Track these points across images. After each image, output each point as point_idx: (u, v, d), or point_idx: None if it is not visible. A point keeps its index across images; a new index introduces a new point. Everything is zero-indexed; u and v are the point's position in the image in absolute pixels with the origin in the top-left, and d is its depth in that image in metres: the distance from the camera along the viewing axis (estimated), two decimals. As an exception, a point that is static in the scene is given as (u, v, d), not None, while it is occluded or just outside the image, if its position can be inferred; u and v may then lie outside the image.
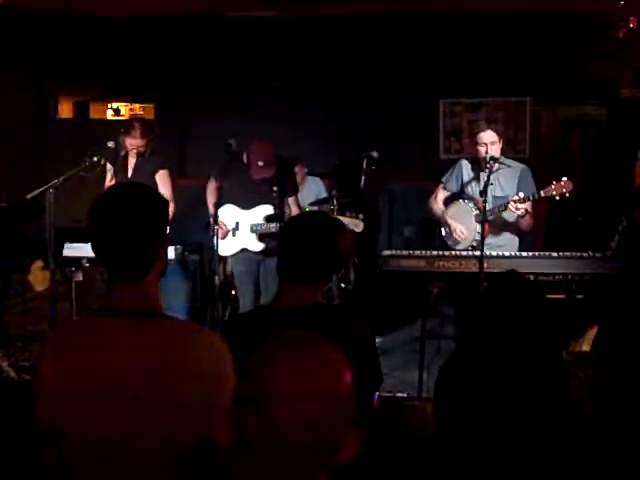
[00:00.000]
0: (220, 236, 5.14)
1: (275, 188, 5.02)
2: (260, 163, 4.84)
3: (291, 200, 5.16)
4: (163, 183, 5.30)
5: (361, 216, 4.95)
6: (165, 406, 1.64)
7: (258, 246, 5.06)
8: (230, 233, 5.12)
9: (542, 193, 4.41)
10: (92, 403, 1.66)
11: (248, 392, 1.21)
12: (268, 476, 1.19)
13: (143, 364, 1.66)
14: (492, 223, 4.61)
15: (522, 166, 4.77)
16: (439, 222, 4.99)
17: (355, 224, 4.80)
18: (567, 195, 4.33)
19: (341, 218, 4.66)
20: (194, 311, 5.96)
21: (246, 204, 5.07)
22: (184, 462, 1.60)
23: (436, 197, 4.95)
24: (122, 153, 5.33)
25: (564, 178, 4.34)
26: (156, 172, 5.34)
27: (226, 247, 5.15)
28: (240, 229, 5.12)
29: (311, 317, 2.20)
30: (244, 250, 5.11)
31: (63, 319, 4.93)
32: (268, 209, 5.05)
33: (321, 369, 1.21)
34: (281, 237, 2.42)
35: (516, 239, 4.76)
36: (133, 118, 5.20)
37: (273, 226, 4.95)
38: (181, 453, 1.61)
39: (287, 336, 1.29)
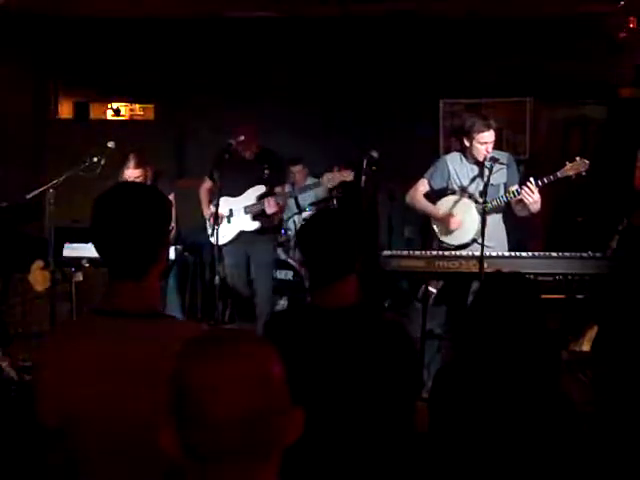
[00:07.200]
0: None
1: (267, 171, 5.18)
2: (241, 137, 5.04)
3: (278, 189, 5.30)
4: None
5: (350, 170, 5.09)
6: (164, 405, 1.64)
7: (253, 225, 5.21)
8: (225, 220, 5.22)
9: (559, 174, 4.36)
10: (92, 400, 1.68)
11: (182, 399, 1.19)
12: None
13: (142, 363, 1.66)
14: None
15: (507, 154, 4.76)
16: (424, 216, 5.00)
17: (345, 176, 4.99)
18: (584, 174, 4.30)
19: (330, 174, 5.03)
20: (194, 311, 5.96)
21: (238, 191, 5.22)
22: None
23: (417, 191, 4.85)
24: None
25: (577, 158, 4.31)
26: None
27: (222, 235, 5.22)
28: (234, 214, 5.24)
29: (353, 317, 2.23)
30: (241, 234, 5.23)
31: (63, 319, 4.93)
32: (260, 189, 5.21)
33: (247, 358, 1.20)
34: (300, 243, 2.42)
35: (505, 238, 4.74)
36: (129, 151, 5.19)
37: (266, 202, 5.12)
38: None
39: (208, 336, 1.30)
